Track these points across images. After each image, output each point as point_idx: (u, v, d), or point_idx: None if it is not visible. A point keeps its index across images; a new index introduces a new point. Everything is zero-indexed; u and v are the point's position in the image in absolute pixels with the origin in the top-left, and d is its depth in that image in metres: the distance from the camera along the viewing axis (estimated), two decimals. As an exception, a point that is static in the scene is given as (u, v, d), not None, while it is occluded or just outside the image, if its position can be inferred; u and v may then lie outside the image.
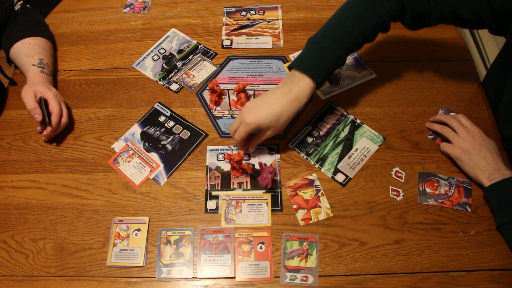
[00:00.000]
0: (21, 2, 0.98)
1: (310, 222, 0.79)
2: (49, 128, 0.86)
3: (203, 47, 1.04)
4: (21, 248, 0.78)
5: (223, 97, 0.95)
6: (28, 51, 0.92)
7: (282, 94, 0.77)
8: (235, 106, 0.94)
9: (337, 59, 0.79)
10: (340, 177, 0.83)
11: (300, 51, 0.82)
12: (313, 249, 0.76)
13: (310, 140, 0.88)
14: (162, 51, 1.04)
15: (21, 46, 0.93)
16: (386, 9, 0.79)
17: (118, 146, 0.89)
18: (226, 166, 0.86)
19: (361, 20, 0.79)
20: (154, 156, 0.88)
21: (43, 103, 0.85)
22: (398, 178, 0.82)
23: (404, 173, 0.82)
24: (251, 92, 0.96)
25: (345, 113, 0.92)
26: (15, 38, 0.94)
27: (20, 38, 0.94)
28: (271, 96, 0.78)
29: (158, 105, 0.95)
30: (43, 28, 1.01)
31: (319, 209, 0.80)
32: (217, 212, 0.81)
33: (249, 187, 0.83)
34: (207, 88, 0.97)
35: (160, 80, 0.99)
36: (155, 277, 0.75)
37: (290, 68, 0.80)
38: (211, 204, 0.81)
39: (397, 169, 0.83)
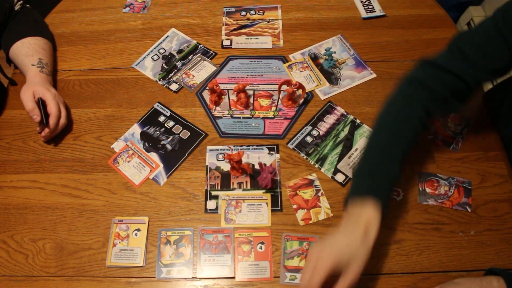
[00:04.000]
0: (21, 2, 0.98)
1: (310, 222, 0.79)
2: (46, 130, 0.86)
3: (203, 47, 1.04)
4: (21, 248, 0.78)
5: (223, 97, 0.95)
6: (27, 51, 0.92)
7: (352, 229, 0.64)
8: (235, 106, 0.94)
9: (393, 173, 0.70)
10: (340, 177, 0.83)
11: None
12: (313, 249, 0.76)
13: (310, 140, 0.88)
14: (161, 51, 1.04)
15: (20, 46, 0.93)
16: (417, 119, 0.73)
17: (118, 146, 0.89)
18: (226, 166, 0.86)
19: (400, 140, 0.72)
20: (154, 156, 0.87)
21: (40, 103, 0.85)
22: (394, 196, 0.81)
23: (400, 190, 0.81)
24: (251, 92, 0.96)
25: (345, 113, 0.91)
26: (15, 38, 0.94)
27: (19, 38, 0.94)
28: (338, 235, 0.65)
29: (158, 105, 0.95)
30: (42, 28, 1.01)
31: (319, 209, 0.80)
32: (217, 212, 0.81)
33: (249, 187, 0.83)
34: (207, 88, 0.96)
35: (160, 80, 0.99)
36: (155, 277, 0.75)
37: (346, 204, 0.70)
38: (211, 204, 0.81)
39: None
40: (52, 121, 0.85)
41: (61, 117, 0.87)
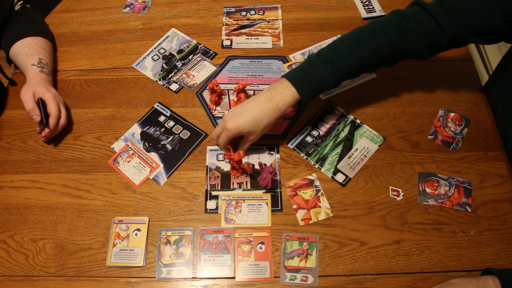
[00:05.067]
0: (21, 2, 0.98)
1: (310, 222, 0.79)
2: (46, 130, 0.86)
3: (203, 47, 1.04)
4: (21, 248, 0.78)
5: (223, 97, 0.95)
6: (27, 51, 0.92)
7: (264, 100, 0.77)
8: (235, 106, 0.94)
9: (325, 79, 0.78)
10: (340, 177, 0.83)
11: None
12: (313, 249, 0.76)
13: (310, 140, 0.88)
14: (162, 51, 1.04)
15: (20, 46, 0.93)
16: (385, 38, 0.77)
17: (118, 146, 0.89)
18: (226, 166, 0.86)
19: (358, 46, 0.78)
20: (154, 156, 0.87)
21: (40, 104, 0.85)
22: (394, 196, 0.81)
23: (400, 190, 0.82)
24: (251, 92, 0.95)
25: (345, 113, 0.91)
26: (15, 37, 0.94)
27: (19, 38, 0.94)
28: (253, 102, 0.78)
29: (158, 105, 0.95)
30: (43, 28, 1.01)
31: (319, 209, 0.80)
32: (217, 212, 0.81)
33: (249, 187, 0.83)
34: (207, 88, 0.96)
35: (160, 80, 0.99)
36: (155, 277, 0.75)
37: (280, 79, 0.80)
38: (211, 204, 0.81)
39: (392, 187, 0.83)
40: (52, 121, 0.85)
41: (61, 117, 0.87)
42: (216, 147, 0.88)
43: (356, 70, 0.80)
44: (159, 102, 0.95)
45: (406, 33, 0.77)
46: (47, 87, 0.88)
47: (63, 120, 0.88)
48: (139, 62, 1.02)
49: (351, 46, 0.79)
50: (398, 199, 0.81)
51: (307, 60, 0.80)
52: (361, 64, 0.79)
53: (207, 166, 0.86)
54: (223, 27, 1.08)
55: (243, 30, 1.07)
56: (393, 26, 0.78)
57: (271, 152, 0.87)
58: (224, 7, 1.12)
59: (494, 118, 0.90)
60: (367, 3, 1.10)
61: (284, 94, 0.77)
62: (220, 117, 0.92)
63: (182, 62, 1.01)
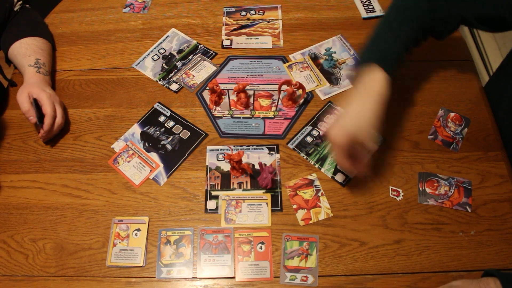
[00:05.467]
0: (20, 2, 0.98)
1: (310, 222, 0.79)
2: (42, 130, 0.85)
3: (203, 47, 1.04)
4: (21, 248, 0.78)
5: (223, 97, 0.95)
6: (25, 51, 0.92)
7: (358, 96, 0.71)
8: (235, 106, 0.94)
9: (402, 41, 0.75)
10: (340, 177, 0.83)
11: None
12: (313, 249, 0.76)
13: (310, 140, 0.88)
14: (162, 51, 1.04)
15: (19, 46, 0.93)
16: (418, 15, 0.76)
17: (118, 146, 0.89)
18: (226, 166, 0.86)
19: (406, 24, 0.76)
20: (154, 156, 0.87)
21: (34, 105, 0.84)
22: (394, 196, 0.81)
23: (400, 190, 0.82)
24: (251, 92, 0.96)
25: (345, 113, 0.91)
26: (13, 38, 0.94)
27: (18, 38, 0.94)
28: (350, 110, 0.71)
29: (158, 105, 0.95)
30: (41, 28, 1.01)
31: (319, 209, 0.80)
32: (217, 212, 0.81)
33: (249, 187, 0.83)
34: (207, 88, 0.96)
35: (160, 80, 0.99)
36: (155, 277, 0.75)
37: (355, 70, 0.77)
38: (211, 204, 0.81)
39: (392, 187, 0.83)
40: (47, 121, 0.85)
41: (57, 116, 0.87)
42: (216, 147, 0.88)
43: (414, 42, 0.78)
44: (159, 102, 0.95)
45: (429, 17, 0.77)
46: (42, 88, 0.87)
47: (59, 119, 0.87)
48: (139, 62, 1.02)
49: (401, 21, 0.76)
50: (398, 199, 0.81)
51: (369, 43, 0.76)
52: (415, 35, 0.77)
53: (207, 166, 0.86)
54: (223, 27, 1.08)
55: (243, 30, 1.07)
56: (420, 7, 0.76)
57: (271, 152, 0.87)
58: (224, 7, 1.12)
59: (495, 118, 0.90)
60: (367, 3, 1.10)
61: (372, 77, 0.71)
62: (220, 117, 0.92)
63: (182, 62, 1.01)
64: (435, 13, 0.76)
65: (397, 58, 0.75)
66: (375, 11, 1.08)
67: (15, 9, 0.97)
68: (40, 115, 0.85)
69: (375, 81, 0.70)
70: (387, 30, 0.77)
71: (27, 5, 1.01)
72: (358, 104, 0.69)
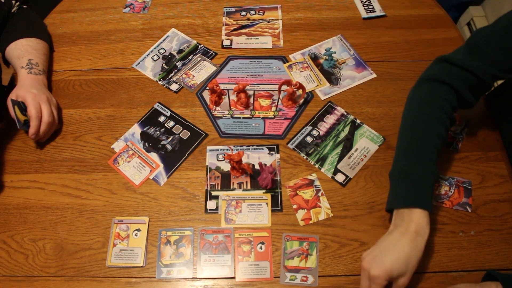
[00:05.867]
0: (18, 3, 0.98)
1: (310, 222, 0.79)
2: (30, 131, 0.84)
3: (203, 47, 1.04)
4: (21, 248, 0.78)
5: (223, 97, 0.95)
6: (19, 53, 0.92)
7: (400, 235, 0.67)
8: (235, 106, 0.94)
9: (431, 173, 0.71)
10: (340, 177, 0.83)
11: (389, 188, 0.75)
12: (313, 249, 0.76)
13: (310, 140, 0.88)
14: (162, 51, 1.04)
15: (14, 48, 0.93)
16: (445, 105, 0.74)
17: (118, 146, 0.89)
18: (226, 166, 0.86)
19: (429, 129, 0.73)
20: (154, 156, 0.87)
21: (19, 108, 0.83)
22: None
23: None
24: (251, 92, 0.96)
25: (345, 113, 0.91)
26: (9, 40, 0.94)
27: (13, 40, 0.94)
28: (389, 242, 0.67)
29: (158, 105, 0.95)
30: (38, 28, 1.01)
31: (319, 209, 0.80)
32: (217, 212, 0.81)
33: (249, 187, 0.83)
34: (207, 88, 0.96)
35: (160, 80, 0.99)
36: (155, 277, 0.75)
37: (389, 210, 0.74)
38: (211, 204, 0.81)
39: None
40: (32, 123, 0.84)
41: (43, 116, 0.85)
42: (216, 147, 0.88)
43: (441, 148, 0.74)
44: (159, 102, 0.95)
45: (455, 97, 0.75)
46: (28, 89, 0.86)
47: (46, 118, 0.85)
48: (139, 62, 1.02)
49: (425, 130, 0.74)
50: (398, 199, 0.80)
51: (400, 178, 0.72)
52: (442, 142, 0.74)
53: (207, 166, 0.86)
54: (223, 27, 1.08)
55: (243, 30, 1.07)
56: (442, 99, 0.75)
57: (271, 152, 0.87)
58: (224, 7, 1.12)
59: (495, 118, 0.89)
60: (367, 3, 1.10)
61: (416, 218, 0.67)
62: (220, 117, 0.92)
63: (182, 62, 1.01)
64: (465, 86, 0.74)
65: (433, 186, 0.72)
66: (375, 11, 1.08)
67: (13, 10, 0.97)
68: (19, 118, 0.84)
69: (419, 225, 0.67)
70: (414, 152, 0.73)
71: (24, 6, 1.01)
72: (401, 245, 0.66)
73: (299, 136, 0.89)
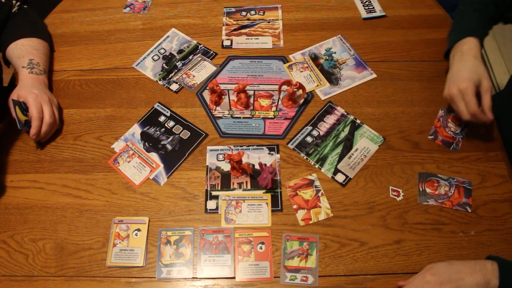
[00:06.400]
0: (18, 3, 0.98)
1: (310, 222, 0.79)
2: (32, 131, 0.84)
3: (203, 47, 1.04)
4: (21, 248, 0.78)
5: (223, 97, 0.95)
6: (20, 53, 0.92)
7: (459, 60, 0.82)
8: (235, 106, 0.94)
9: (481, 10, 0.86)
10: (340, 177, 0.83)
11: None
12: (313, 249, 0.76)
13: (310, 140, 0.88)
14: (162, 51, 1.04)
15: (14, 48, 0.93)
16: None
17: (118, 146, 0.89)
18: (226, 166, 0.86)
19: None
20: (154, 156, 0.87)
21: (20, 108, 0.83)
22: (394, 196, 0.81)
23: (401, 190, 0.82)
24: (251, 92, 0.96)
25: (345, 113, 0.91)
26: (9, 40, 0.94)
27: (13, 40, 0.94)
28: (454, 68, 0.83)
29: (158, 105, 0.95)
30: (38, 28, 1.01)
31: (319, 209, 0.80)
32: (217, 212, 0.81)
33: (249, 187, 0.83)
34: (207, 88, 0.96)
35: (160, 80, 0.99)
36: (155, 277, 0.75)
37: (447, 53, 0.88)
38: (211, 204, 0.81)
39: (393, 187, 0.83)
40: (33, 124, 0.84)
41: (45, 116, 0.85)
42: (216, 147, 0.88)
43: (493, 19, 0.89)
44: (159, 102, 0.95)
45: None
46: (30, 89, 0.86)
47: (47, 119, 0.85)
48: (139, 62, 1.02)
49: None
50: (398, 199, 0.81)
51: (454, 20, 0.92)
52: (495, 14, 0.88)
53: (207, 166, 0.86)
54: (223, 27, 1.08)
55: (243, 30, 1.07)
56: None
57: (271, 152, 0.87)
58: (224, 7, 1.12)
59: (495, 118, 0.89)
60: (367, 3, 1.10)
61: (467, 44, 0.83)
62: (220, 117, 0.92)
63: (182, 62, 1.01)
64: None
65: (484, 28, 0.87)
66: (375, 11, 1.08)
67: (13, 10, 0.97)
68: (20, 119, 0.84)
69: (472, 47, 0.82)
70: (471, 12, 0.88)
71: (25, 6, 1.01)
72: (468, 61, 0.81)
73: (299, 136, 0.89)
